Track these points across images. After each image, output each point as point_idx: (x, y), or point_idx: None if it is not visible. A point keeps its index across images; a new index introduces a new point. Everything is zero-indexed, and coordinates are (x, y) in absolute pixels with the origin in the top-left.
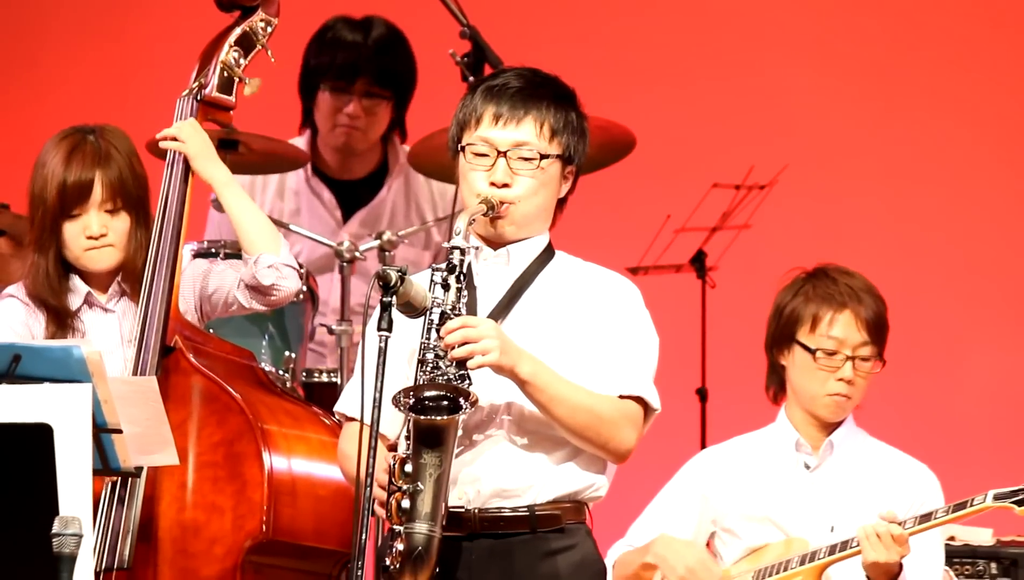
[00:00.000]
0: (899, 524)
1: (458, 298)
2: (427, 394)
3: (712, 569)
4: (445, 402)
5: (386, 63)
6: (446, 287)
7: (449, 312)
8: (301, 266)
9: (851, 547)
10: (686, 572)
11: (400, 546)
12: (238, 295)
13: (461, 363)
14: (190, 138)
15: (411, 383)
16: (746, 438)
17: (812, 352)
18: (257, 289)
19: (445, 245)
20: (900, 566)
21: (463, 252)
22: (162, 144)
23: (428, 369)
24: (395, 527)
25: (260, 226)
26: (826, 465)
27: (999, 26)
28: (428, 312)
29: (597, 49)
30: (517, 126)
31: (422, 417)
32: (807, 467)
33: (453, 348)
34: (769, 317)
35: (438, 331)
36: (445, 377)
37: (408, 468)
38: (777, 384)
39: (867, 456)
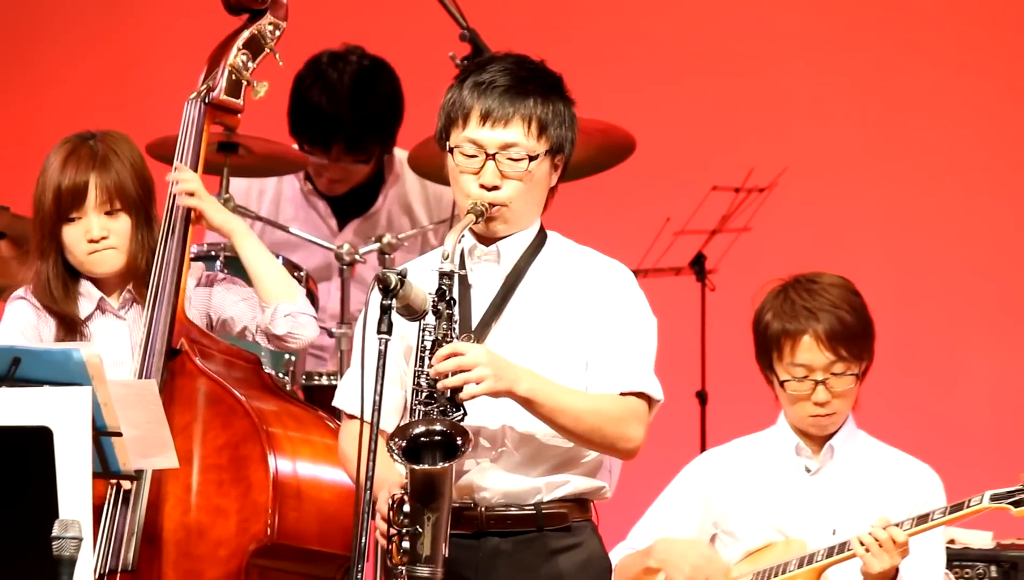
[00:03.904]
0: (895, 526)
1: (449, 324)
2: (419, 431)
3: (716, 561)
4: (439, 437)
5: (359, 133)
6: (437, 314)
7: (441, 339)
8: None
9: (848, 550)
10: (692, 570)
11: None
12: (256, 336)
13: (455, 392)
14: (204, 195)
15: (408, 407)
16: (747, 440)
17: (783, 383)
18: (275, 337)
19: (432, 270)
20: (896, 569)
21: (450, 276)
22: (180, 202)
23: (423, 397)
24: (398, 567)
25: (276, 276)
26: (827, 468)
27: (999, 27)
28: (420, 339)
29: (597, 50)
30: (505, 127)
31: (417, 467)
32: (808, 470)
33: (445, 376)
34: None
35: (431, 358)
36: (440, 408)
37: (406, 509)
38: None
39: (868, 458)
